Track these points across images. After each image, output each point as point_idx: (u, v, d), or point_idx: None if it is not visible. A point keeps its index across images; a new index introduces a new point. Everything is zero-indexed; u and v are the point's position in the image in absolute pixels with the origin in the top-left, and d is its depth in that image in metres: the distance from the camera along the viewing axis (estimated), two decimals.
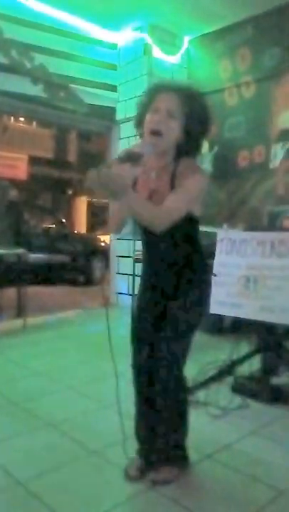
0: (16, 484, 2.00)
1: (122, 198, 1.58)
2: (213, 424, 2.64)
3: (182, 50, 5.77)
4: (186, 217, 1.77)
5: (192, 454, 2.26)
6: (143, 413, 2.02)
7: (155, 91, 1.75)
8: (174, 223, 1.71)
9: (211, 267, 2.20)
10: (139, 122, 1.79)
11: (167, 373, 1.91)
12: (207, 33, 5.55)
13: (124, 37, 5.65)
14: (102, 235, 11.37)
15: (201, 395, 2.95)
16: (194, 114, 1.72)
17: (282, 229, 3.56)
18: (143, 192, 1.81)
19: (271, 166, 4.99)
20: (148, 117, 1.72)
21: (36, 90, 5.03)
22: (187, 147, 1.78)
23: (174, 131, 1.71)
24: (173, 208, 1.71)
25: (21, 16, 4.82)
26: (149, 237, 1.87)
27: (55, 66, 5.07)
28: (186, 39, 5.78)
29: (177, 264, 1.88)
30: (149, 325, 1.98)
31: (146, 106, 1.75)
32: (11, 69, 4.83)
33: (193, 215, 1.83)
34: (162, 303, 1.94)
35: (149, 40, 5.45)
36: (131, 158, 1.65)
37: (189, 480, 2.06)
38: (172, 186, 1.74)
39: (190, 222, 1.83)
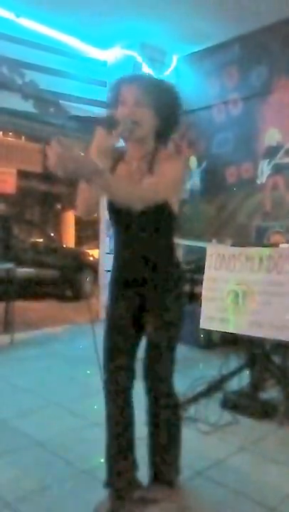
0: (4, 505, 1.96)
1: (94, 180, 1.50)
2: (203, 440, 2.62)
3: (171, 68, 5.86)
4: (163, 208, 1.74)
5: (183, 471, 2.24)
6: (123, 436, 1.89)
7: (119, 85, 1.75)
8: (151, 208, 1.67)
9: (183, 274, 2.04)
10: (112, 120, 1.71)
11: (158, 390, 1.87)
12: (196, 52, 5.65)
13: (113, 54, 5.72)
14: (91, 249, 11.36)
15: (190, 410, 2.94)
16: (162, 100, 1.72)
17: (269, 244, 3.60)
18: (124, 177, 1.80)
19: (258, 182, 5.05)
20: (119, 111, 1.71)
21: (27, 106, 5.06)
22: (163, 134, 1.79)
23: (146, 118, 1.70)
24: (150, 187, 1.69)
25: (12, 33, 4.87)
26: (123, 230, 1.83)
27: (46, 83, 5.12)
28: (175, 57, 5.88)
29: (151, 259, 1.81)
30: (125, 335, 1.87)
31: (114, 103, 1.74)
32: (2, 85, 4.86)
33: (171, 209, 1.78)
34: (137, 304, 1.85)
35: (138, 57, 5.53)
36: (106, 121, 1.64)
37: (179, 497, 2.04)
38: (150, 174, 1.74)
39: (167, 216, 1.79)
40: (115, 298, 1.91)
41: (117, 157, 1.82)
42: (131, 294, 1.86)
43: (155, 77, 1.90)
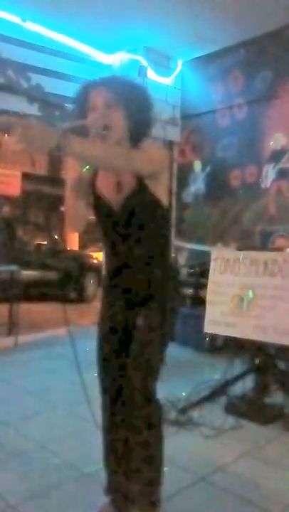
0: (7, 507, 1.96)
1: (63, 148, 1.40)
2: (206, 445, 2.62)
3: (176, 72, 5.88)
4: (153, 201, 1.69)
5: (186, 476, 2.24)
6: (112, 445, 1.83)
7: (86, 90, 1.70)
8: (140, 209, 1.66)
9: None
10: (82, 129, 1.65)
11: (133, 399, 1.69)
12: (201, 56, 5.66)
13: (119, 58, 5.74)
14: (95, 251, 11.37)
15: (194, 415, 2.93)
16: (133, 100, 1.67)
17: (273, 248, 3.60)
18: (107, 188, 1.74)
19: (263, 186, 5.05)
20: (89, 115, 1.66)
21: (32, 110, 5.07)
22: (138, 133, 1.71)
23: (118, 121, 1.65)
24: (129, 154, 1.63)
25: (18, 37, 4.90)
26: (111, 235, 1.78)
27: (51, 86, 5.13)
28: (180, 62, 5.89)
29: (141, 263, 1.74)
30: (114, 342, 1.82)
31: (83, 109, 1.69)
32: (8, 88, 4.88)
33: (160, 203, 1.72)
34: (126, 312, 1.78)
35: (143, 62, 5.55)
36: (77, 130, 1.56)
37: (182, 502, 2.03)
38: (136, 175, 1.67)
39: (158, 212, 1.72)
40: (105, 305, 1.86)
41: (96, 171, 1.78)
42: (119, 302, 1.80)
43: (124, 77, 1.81)
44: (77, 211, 1.77)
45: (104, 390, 1.83)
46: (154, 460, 1.72)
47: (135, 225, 1.71)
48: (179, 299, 1.87)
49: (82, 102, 1.69)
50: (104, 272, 1.88)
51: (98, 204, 1.77)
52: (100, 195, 1.76)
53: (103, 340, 1.84)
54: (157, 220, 1.74)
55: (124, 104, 1.65)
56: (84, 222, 1.83)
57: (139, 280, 1.74)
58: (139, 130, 1.71)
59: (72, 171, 1.80)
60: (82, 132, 1.58)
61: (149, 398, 1.69)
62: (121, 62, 5.76)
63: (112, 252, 1.81)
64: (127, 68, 5.68)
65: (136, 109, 1.67)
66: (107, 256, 1.84)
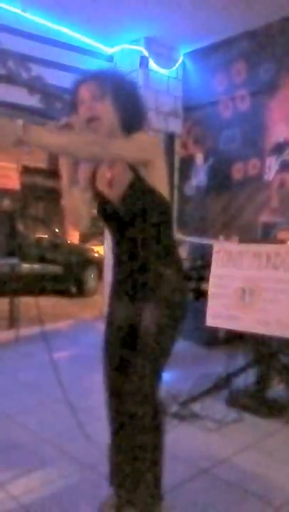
0: (10, 499, 1.96)
1: (24, 144, 1.41)
2: (208, 437, 2.61)
3: (178, 63, 5.82)
4: (152, 193, 1.65)
5: (187, 468, 2.24)
6: (115, 441, 1.82)
7: (76, 86, 1.71)
8: (141, 208, 1.63)
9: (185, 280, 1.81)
10: (67, 125, 1.64)
11: (135, 400, 1.65)
12: (203, 47, 5.60)
13: (120, 49, 5.69)
14: (96, 245, 11.35)
15: (196, 408, 2.93)
16: (119, 91, 1.67)
17: (276, 241, 3.57)
18: (103, 181, 1.73)
19: (266, 178, 5.02)
20: (79, 110, 1.67)
21: (33, 101, 5.03)
22: (130, 124, 1.69)
23: (106, 111, 1.65)
24: (106, 141, 1.59)
25: (19, 27, 4.84)
26: (115, 230, 1.75)
27: (52, 77, 5.09)
28: (182, 52, 5.84)
29: (147, 257, 1.69)
30: (119, 339, 1.79)
31: (74, 101, 1.70)
32: (8, 79, 4.84)
33: (161, 195, 1.67)
34: (133, 311, 1.74)
35: (145, 52, 5.50)
36: (61, 128, 1.58)
37: (184, 495, 2.03)
38: (133, 167, 1.64)
39: (159, 203, 1.67)
40: (112, 303, 1.84)
41: (95, 166, 1.77)
42: (126, 301, 1.77)
43: (110, 70, 1.81)
44: (78, 207, 1.74)
45: (109, 387, 1.81)
46: (153, 460, 1.69)
47: (137, 219, 1.68)
48: (187, 293, 1.81)
49: (74, 98, 1.71)
50: (112, 270, 1.82)
51: (99, 200, 1.75)
52: (100, 192, 1.74)
53: (110, 337, 1.82)
54: (160, 212, 1.70)
55: (111, 96, 1.65)
56: (87, 219, 1.79)
57: (146, 275, 1.70)
58: (130, 120, 1.69)
59: (65, 166, 1.76)
60: (68, 127, 1.58)
61: (152, 399, 1.66)
62: (122, 53, 5.71)
63: (117, 248, 1.78)
64: (128, 59, 5.63)
65: (124, 100, 1.67)
66: (113, 251, 1.81)
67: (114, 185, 1.70)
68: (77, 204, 1.73)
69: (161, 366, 1.68)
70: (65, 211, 1.73)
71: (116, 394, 1.77)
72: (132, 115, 1.70)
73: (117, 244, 1.77)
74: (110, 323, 1.83)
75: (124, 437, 1.73)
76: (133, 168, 1.64)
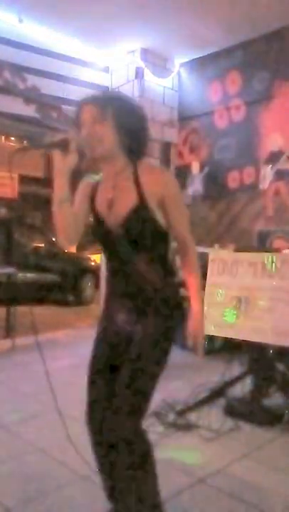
0: (4, 511, 1.94)
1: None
2: (205, 446, 2.60)
3: (173, 74, 5.88)
4: (155, 227, 1.65)
5: (184, 478, 2.23)
6: (100, 460, 1.78)
7: (78, 108, 1.72)
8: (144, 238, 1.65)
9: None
10: (63, 142, 1.65)
11: (120, 422, 1.61)
12: (198, 58, 5.66)
13: (116, 60, 5.74)
14: (93, 254, 11.34)
15: (192, 417, 2.92)
16: (121, 113, 1.67)
17: (271, 249, 3.59)
18: (102, 203, 1.72)
19: (261, 187, 5.05)
20: (81, 130, 1.67)
21: (28, 111, 5.07)
22: (133, 147, 1.70)
23: (106, 134, 1.65)
24: (189, 237, 1.75)
25: (14, 38, 4.89)
26: (110, 251, 1.73)
27: (48, 87, 5.13)
28: (177, 63, 5.89)
29: (143, 277, 1.67)
30: (106, 352, 1.77)
31: (77, 122, 1.70)
32: (4, 90, 4.87)
33: (162, 228, 1.68)
34: (124, 333, 1.72)
35: (141, 63, 5.55)
36: (55, 145, 1.60)
37: (181, 504, 2.02)
38: (139, 189, 1.64)
39: (159, 236, 1.69)
40: (106, 316, 1.82)
41: (95, 184, 1.77)
42: (121, 314, 1.75)
43: (113, 93, 1.82)
44: (67, 223, 1.68)
45: (92, 403, 1.80)
46: (146, 477, 1.65)
47: (133, 245, 1.66)
48: (182, 307, 1.79)
49: (76, 120, 1.71)
50: (106, 279, 1.82)
51: (96, 222, 1.73)
52: (99, 213, 1.72)
53: (99, 353, 1.80)
54: (158, 240, 1.69)
55: (111, 117, 1.65)
56: (78, 234, 1.74)
57: (140, 290, 1.68)
58: (132, 144, 1.70)
59: (60, 182, 1.75)
60: (65, 145, 1.60)
61: (133, 438, 1.61)
62: (118, 64, 5.76)
63: (110, 264, 1.77)
64: (124, 69, 5.68)
65: (126, 123, 1.67)
66: (107, 266, 1.80)
67: (114, 207, 1.68)
68: (69, 221, 1.68)
69: (148, 388, 1.65)
70: (56, 226, 1.69)
71: (97, 420, 1.75)
72: (134, 139, 1.70)
73: (110, 260, 1.77)
74: (101, 338, 1.81)
75: (112, 459, 1.69)
76: (140, 192, 1.64)
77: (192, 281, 1.74)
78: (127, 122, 1.68)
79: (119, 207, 1.66)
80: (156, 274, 1.69)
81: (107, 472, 1.75)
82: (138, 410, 1.63)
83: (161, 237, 1.70)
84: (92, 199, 1.76)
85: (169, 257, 1.76)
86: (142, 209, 1.63)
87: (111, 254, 1.74)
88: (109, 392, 1.70)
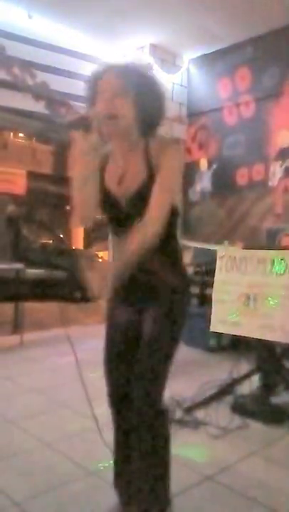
0: (13, 505, 1.95)
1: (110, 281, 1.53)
2: (213, 444, 2.59)
3: (182, 70, 5.85)
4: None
5: (192, 475, 2.22)
6: (120, 448, 1.80)
7: (98, 76, 1.63)
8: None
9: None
10: (85, 121, 1.61)
11: (143, 403, 1.63)
12: (207, 53, 5.63)
13: (125, 56, 5.72)
14: (100, 250, 11.36)
15: (200, 414, 2.91)
16: (142, 89, 1.60)
17: (280, 247, 3.57)
18: (115, 180, 1.67)
19: (270, 184, 5.02)
20: (97, 104, 1.60)
21: (38, 107, 5.07)
22: (148, 124, 1.65)
23: (125, 110, 1.58)
24: (157, 215, 1.57)
25: (24, 34, 4.89)
26: (118, 230, 1.69)
27: (57, 83, 5.13)
28: (187, 59, 5.86)
29: (152, 258, 1.61)
30: (121, 341, 1.76)
31: (93, 92, 1.64)
32: (13, 86, 4.88)
33: (173, 205, 1.64)
34: (134, 316, 1.72)
35: (150, 59, 5.53)
36: (80, 123, 1.55)
37: (189, 502, 2.01)
38: (149, 165, 1.60)
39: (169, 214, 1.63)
40: (113, 307, 1.80)
41: (105, 157, 1.72)
42: (127, 305, 1.74)
43: (135, 66, 1.71)
44: (87, 202, 1.65)
45: (112, 393, 1.78)
46: (161, 466, 1.68)
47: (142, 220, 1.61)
48: (189, 300, 1.78)
49: (92, 88, 1.64)
50: (113, 257, 1.81)
51: (105, 198, 1.69)
52: (107, 188, 1.69)
53: (111, 343, 1.79)
54: (170, 219, 1.64)
55: (132, 92, 1.58)
56: (93, 215, 1.71)
57: (149, 280, 1.66)
58: (148, 121, 1.64)
59: (83, 157, 1.70)
60: (86, 124, 1.55)
61: (156, 410, 1.64)
62: (127, 60, 5.74)
63: (119, 249, 1.71)
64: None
65: (146, 99, 1.60)
66: (116, 248, 1.76)
67: (124, 182, 1.65)
68: (89, 199, 1.64)
69: (164, 372, 1.66)
70: (75, 205, 1.64)
71: (120, 401, 1.75)
72: (151, 116, 1.65)
73: (119, 245, 1.70)
74: (111, 328, 1.80)
75: (130, 445, 1.70)
76: (150, 166, 1.60)
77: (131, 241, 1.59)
78: (148, 99, 1.62)
79: (128, 182, 1.63)
80: (163, 256, 1.66)
81: (122, 456, 1.77)
82: (157, 390, 1.64)
83: (171, 214, 1.63)
84: (100, 174, 1.71)
85: (177, 236, 1.73)
86: (150, 184, 1.59)
87: (119, 229, 1.70)
88: (128, 375, 1.70)
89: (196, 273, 4.95)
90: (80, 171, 1.60)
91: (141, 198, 1.60)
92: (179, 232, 1.76)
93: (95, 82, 1.64)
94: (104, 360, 1.80)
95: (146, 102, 1.61)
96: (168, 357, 1.67)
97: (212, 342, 4.43)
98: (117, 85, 1.58)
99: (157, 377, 1.64)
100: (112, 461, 1.88)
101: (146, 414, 1.62)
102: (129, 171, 1.65)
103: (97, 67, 1.67)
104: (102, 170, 1.72)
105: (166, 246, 1.66)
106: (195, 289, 4.81)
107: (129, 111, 1.59)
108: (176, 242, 1.72)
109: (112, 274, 1.59)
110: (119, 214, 1.66)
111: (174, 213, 1.65)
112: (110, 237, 1.79)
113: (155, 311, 1.66)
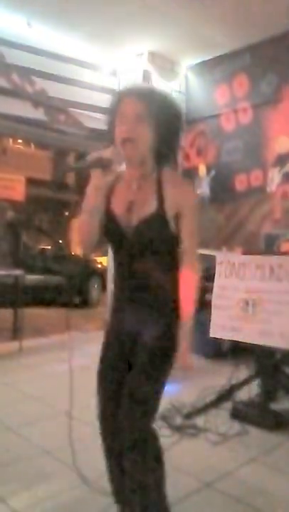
0: None
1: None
2: (212, 450, 2.59)
3: (181, 76, 5.88)
4: (168, 232, 1.62)
5: (191, 482, 2.21)
6: (112, 469, 1.77)
7: (121, 96, 1.62)
8: (157, 246, 1.62)
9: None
10: (109, 130, 1.64)
11: (133, 424, 1.61)
12: (205, 60, 5.66)
13: (123, 63, 5.75)
14: (99, 256, 11.35)
15: (199, 420, 2.91)
16: (164, 116, 1.59)
17: (279, 252, 3.58)
18: (123, 205, 1.66)
19: (268, 190, 5.03)
20: (117, 125, 1.59)
21: (37, 114, 5.10)
22: (164, 153, 1.65)
23: (145, 135, 1.57)
24: (193, 261, 1.68)
25: (23, 42, 4.92)
26: (120, 255, 1.69)
27: (56, 91, 5.15)
28: (185, 66, 5.89)
29: (152, 282, 1.64)
30: (115, 361, 1.74)
31: (113, 113, 1.62)
32: (13, 93, 4.90)
33: (174, 233, 1.65)
34: (132, 335, 1.70)
35: (148, 66, 5.56)
36: (100, 163, 1.55)
37: (188, 508, 2.01)
38: (160, 198, 1.60)
39: (172, 240, 1.65)
40: (113, 317, 1.79)
41: (114, 180, 1.71)
42: (127, 315, 1.71)
43: (156, 89, 1.72)
44: (93, 230, 1.65)
45: (103, 404, 1.78)
46: (156, 481, 1.65)
47: (146, 248, 1.63)
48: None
49: (113, 110, 1.63)
50: (113, 285, 1.79)
51: (109, 221, 1.67)
52: (113, 212, 1.67)
53: (107, 356, 1.78)
54: (170, 245, 1.66)
55: (154, 118, 1.57)
56: (96, 242, 1.70)
57: (148, 292, 1.66)
58: (165, 148, 1.64)
59: (95, 192, 1.74)
60: (105, 164, 1.56)
61: (146, 437, 1.62)
62: (125, 67, 5.77)
63: (119, 264, 1.73)
64: (131, 72, 5.69)
65: (166, 125, 1.59)
66: (117, 271, 1.74)
67: (132, 210, 1.63)
68: (93, 230, 1.65)
69: (156, 396, 1.64)
70: (79, 232, 1.67)
71: (111, 414, 1.72)
72: (168, 143, 1.63)
73: (118, 263, 1.73)
74: (109, 339, 1.79)
75: (122, 460, 1.68)
76: (160, 199, 1.60)
77: (185, 290, 1.67)
78: (167, 125, 1.60)
79: (137, 211, 1.63)
80: (165, 279, 1.66)
81: (118, 475, 1.74)
82: (150, 410, 1.63)
83: (173, 245, 1.66)
84: (107, 196, 1.70)
85: (179, 265, 1.72)
86: (158, 217, 1.60)
87: (121, 256, 1.70)
88: (120, 393, 1.68)
89: None
90: (91, 204, 1.62)
91: (147, 229, 1.61)
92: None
93: (116, 104, 1.62)
94: (98, 378, 1.79)
95: (165, 128, 1.60)
96: (160, 381, 1.64)
97: (211, 348, 4.42)
98: (139, 109, 1.57)
99: (148, 401, 1.62)
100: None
101: (134, 438, 1.60)
102: (138, 200, 1.64)
103: (120, 90, 1.68)
104: (110, 192, 1.70)
105: (167, 269, 1.67)
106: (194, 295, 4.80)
107: (148, 136, 1.58)
108: (176, 267, 1.69)
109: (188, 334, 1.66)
110: (122, 240, 1.65)
111: (177, 243, 1.67)
112: (111, 256, 1.79)
113: (153, 322, 1.66)
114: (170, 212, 1.61)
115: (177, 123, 1.67)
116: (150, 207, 1.61)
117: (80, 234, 1.68)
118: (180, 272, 1.68)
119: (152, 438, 1.65)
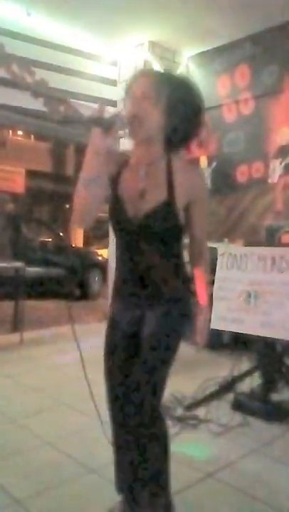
0: (15, 503, 1.95)
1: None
2: (214, 441, 2.60)
3: (182, 67, 5.83)
4: (176, 221, 1.61)
5: (192, 473, 2.22)
6: (121, 448, 1.77)
7: (133, 79, 1.60)
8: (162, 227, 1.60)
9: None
10: (108, 120, 1.55)
11: (140, 405, 1.61)
12: (206, 50, 5.61)
13: (124, 53, 5.70)
14: (100, 248, 11.35)
15: (201, 412, 2.91)
16: (176, 99, 1.54)
17: (280, 244, 3.56)
18: (131, 191, 1.62)
19: (270, 181, 5.01)
20: (126, 104, 1.57)
21: (37, 104, 5.07)
22: (174, 138, 1.59)
23: (151, 113, 1.53)
24: (206, 246, 1.76)
25: (23, 31, 4.87)
26: (125, 241, 1.67)
27: (56, 81, 5.11)
28: (186, 56, 5.84)
29: (158, 269, 1.63)
30: (122, 344, 1.74)
31: (127, 93, 1.59)
32: (12, 83, 4.87)
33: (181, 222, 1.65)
34: (138, 317, 1.70)
35: (148, 56, 5.51)
36: (100, 122, 1.49)
37: (190, 499, 2.01)
38: (170, 186, 1.58)
39: (178, 228, 1.65)
40: (116, 307, 1.78)
41: (122, 162, 1.67)
42: (132, 308, 1.71)
43: (175, 73, 1.68)
44: (88, 204, 1.58)
45: (113, 397, 1.76)
46: (159, 470, 1.68)
47: (152, 236, 1.61)
48: (192, 303, 1.79)
49: (127, 90, 1.60)
50: (116, 275, 1.75)
51: (116, 207, 1.64)
52: (121, 198, 1.63)
53: (112, 344, 1.77)
54: (176, 233, 1.66)
55: (164, 100, 1.53)
56: (93, 217, 1.64)
57: (154, 287, 1.65)
58: (176, 134, 1.59)
59: (96, 162, 1.67)
60: (108, 124, 1.49)
61: (156, 415, 1.64)
62: (126, 57, 5.72)
63: (123, 252, 1.71)
64: (132, 63, 5.65)
65: (177, 109, 1.54)
66: (120, 260, 1.72)
67: (141, 197, 1.60)
68: (91, 201, 1.58)
69: (163, 377, 1.65)
70: (75, 206, 1.59)
71: (120, 401, 1.72)
72: (180, 128, 1.58)
73: (123, 249, 1.70)
74: (113, 328, 1.78)
75: (129, 446, 1.69)
76: (171, 186, 1.58)
77: (201, 280, 1.77)
78: (179, 109, 1.56)
79: (146, 199, 1.59)
80: (169, 267, 1.66)
81: (125, 461, 1.75)
82: (157, 394, 1.63)
83: (179, 234, 1.66)
84: (114, 179, 1.65)
85: (182, 254, 1.72)
86: (168, 206, 1.58)
87: (126, 242, 1.67)
88: (128, 379, 1.68)
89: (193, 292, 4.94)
90: (88, 171, 1.55)
91: (156, 219, 1.58)
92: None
93: (130, 84, 1.60)
94: (106, 364, 1.78)
95: (177, 112, 1.56)
96: (168, 362, 1.65)
97: (213, 339, 4.42)
98: (146, 86, 1.55)
99: (156, 382, 1.63)
100: (112, 459, 1.87)
101: (144, 420, 1.61)
102: (148, 187, 1.61)
103: (138, 70, 1.65)
104: (118, 176, 1.66)
105: (174, 259, 1.68)
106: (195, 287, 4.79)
107: (155, 116, 1.55)
108: (182, 256, 1.72)
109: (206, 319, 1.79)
110: (129, 226, 1.62)
111: (183, 232, 1.68)
112: (114, 241, 1.76)
113: (157, 312, 1.65)
114: (180, 201, 1.59)
115: (192, 109, 1.61)
116: (159, 196, 1.58)
117: (75, 205, 1.59)
118: (193, 261, 1.76)
119: (159, 421, 1.67)
